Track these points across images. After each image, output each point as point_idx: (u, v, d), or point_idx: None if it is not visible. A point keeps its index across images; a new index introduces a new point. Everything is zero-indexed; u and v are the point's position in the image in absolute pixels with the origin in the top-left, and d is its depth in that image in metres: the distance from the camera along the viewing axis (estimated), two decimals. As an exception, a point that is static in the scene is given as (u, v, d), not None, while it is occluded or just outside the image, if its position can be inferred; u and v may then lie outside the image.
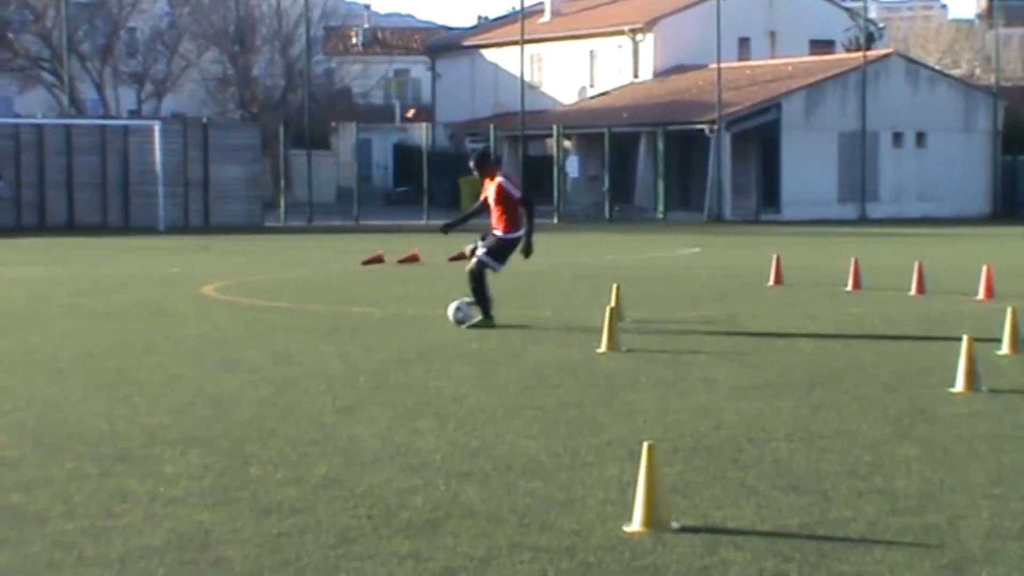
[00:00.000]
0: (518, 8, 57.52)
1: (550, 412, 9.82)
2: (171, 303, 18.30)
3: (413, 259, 25.70)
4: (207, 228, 41.97)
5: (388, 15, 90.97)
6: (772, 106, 51.93)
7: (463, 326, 14.66)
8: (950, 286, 20.03)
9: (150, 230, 40.22)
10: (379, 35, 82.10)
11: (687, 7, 60.29)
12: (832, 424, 9.33)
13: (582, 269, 25.25)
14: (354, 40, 79.06)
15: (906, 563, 6.03)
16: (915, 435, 8.92)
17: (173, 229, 40.61)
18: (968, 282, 19.39)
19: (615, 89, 60.22)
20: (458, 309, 14.91)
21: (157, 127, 42.89)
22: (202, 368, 12.18)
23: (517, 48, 55.52)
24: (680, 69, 58.91)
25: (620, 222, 48.68)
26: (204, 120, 46.44)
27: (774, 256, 21.45)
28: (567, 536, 6.49)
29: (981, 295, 18.28)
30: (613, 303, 14.41)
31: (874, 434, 8.96)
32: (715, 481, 7.62)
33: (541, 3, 68.08)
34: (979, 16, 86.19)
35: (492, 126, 51.19)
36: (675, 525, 6.59)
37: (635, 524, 6.57)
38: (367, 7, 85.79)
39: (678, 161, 53.31)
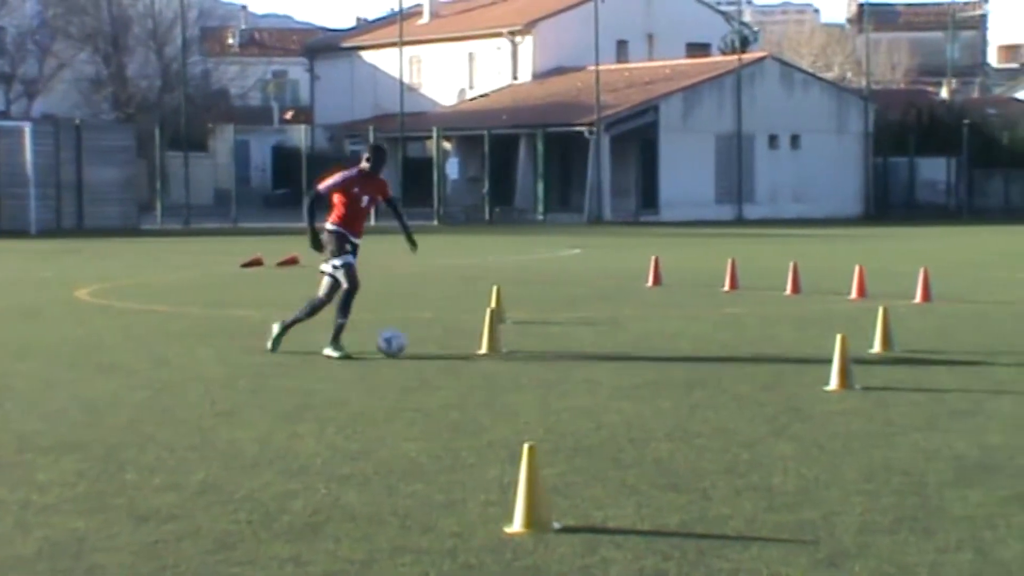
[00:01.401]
0: (397, 10, 57.39)
1: (431, 414, 9.80)
2: (44, 307, 17.96)
3: (292, 262, 25.49)
4: (81, 231, 41.26)
5: (265, 16, 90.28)
6: (650, 108, 52.41)
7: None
8: (824, 286, 20.36)
9: (21, 233, 39.43)
10: (256, 36, 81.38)
11: (566, 9, 60.62)
12: (710, 423, 9.43)
13: (462, 271, 25.25)
14: (231, 41, 78.24)
15: (782, 559, 6.12)
16: (791, 433, 9.05)
17: (45, 232, 39.84)
18: (841, 282, 19.73)
19: (494, 91, 60.34)
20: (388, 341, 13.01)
21: (27, 128, 42.04)
22: (76, 373, 11.97)
23: (396, 50, 55.41)
24: (559, 71, 59.21)
25: (500, 224, 48.77)
26: (76, 122, 45.61)
27: (653, 257, 21.64)
28: (448, 538, 6.48)
29: (854, 295, 18.61)
30: (494, 305, 14.42)
31: (751, 432, 9.08)
32: (596, 481, 7.66)
33: (420, 5, 67.99)
34: (850, 21, 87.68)
35: (371, 128, 51.00)
36: (556, 525, 6.62)
37: (516, 525, 6.58)
38: (243, 7, 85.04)
39: (558, 163, 53.58)
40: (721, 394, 10.67)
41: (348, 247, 12.90)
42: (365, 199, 13.05)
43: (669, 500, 7.20)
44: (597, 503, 7.15)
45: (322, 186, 13.15)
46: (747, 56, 56.31)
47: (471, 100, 61.05)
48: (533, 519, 6.55)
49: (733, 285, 20.13)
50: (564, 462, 8.13)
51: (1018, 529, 6.54)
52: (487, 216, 50.54)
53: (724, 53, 60.56)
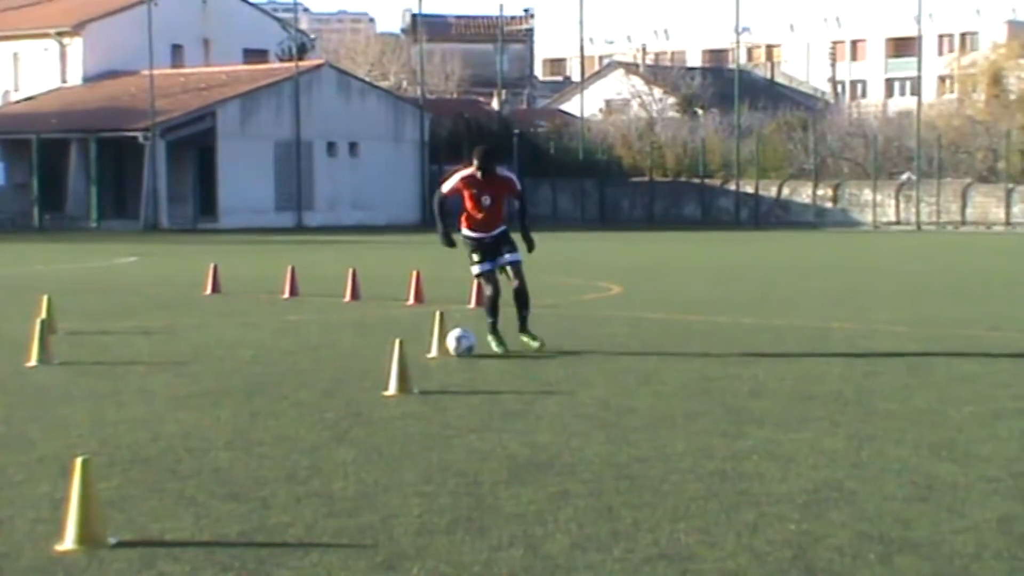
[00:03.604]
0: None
1: (-25, 431, 9.31)
2: None
3: None
4: None
5: None
6: (207, 114, 51.75)
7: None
8: (383, 292, 20.65)
9: None
10: None
11: (117, 11, 59.00)
12: (271, 431, 9.39)
13: (9, 280, 24.15)
14: None
15: (342, 564, 6.16)
16: (351, 438, 9.13)
17: None
18: (399, 288, 20.06)
19: (42, 94, 58.00)
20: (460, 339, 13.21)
21: None
22: None
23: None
24: (112, 75, 57.55)
25: (51, 231, 46.96)
26: None
27: (212, 265, 21.36)
28: (-5, 561, 6.18)
29: (411, 300, 18.97)
30: (44, 315, 13.87)
31: (312, 439, 9.10)
32: (153, 493, 7.48)
33: (-40, 1, 64.59)
34: (404, 31, 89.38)
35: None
36: (112, 541, 6.42)
37: (68, 542, 6.34)
38: None
39: (112, 169, 52.10)
40: (281, 401, 10.64)
41: (475, 255, 13.63)
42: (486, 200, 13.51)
43: (229, 510, 7.11)
44: (154, 516, 6.98)
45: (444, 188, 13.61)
46: (304, 63, 56.49)
47: (17, 103, 58.47)
48: (86, 535, 6.33)
49: (293, 292, 20.13)
50: (120, 475, 7.91)
51: (565, 524, 6.83)
52: (36, 223, 48.53)
53: (282, 60, 60.51)
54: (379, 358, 12.24)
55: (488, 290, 13.59)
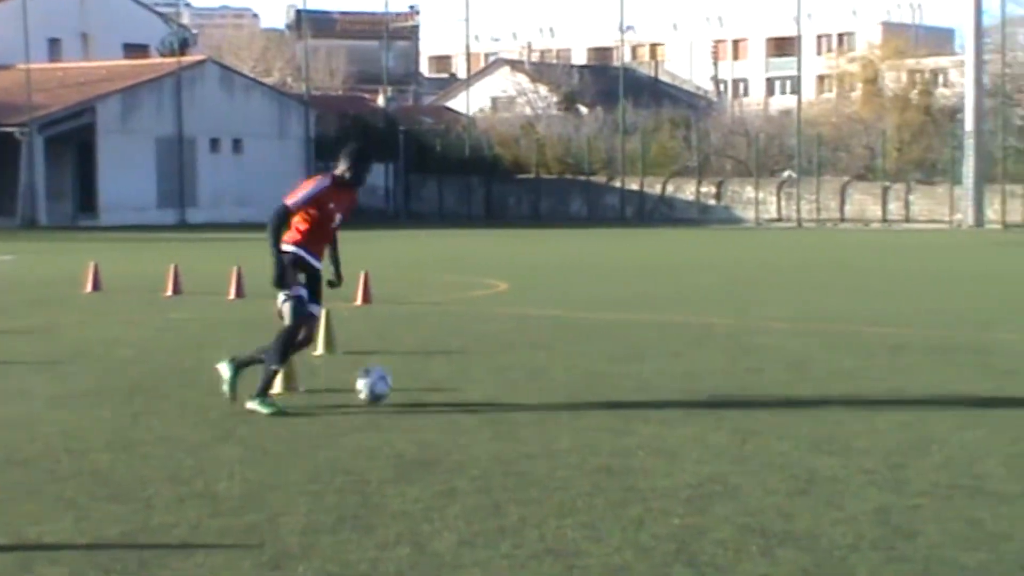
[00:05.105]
0: None
1: None
2: None
3: None
4: None
5: None
6: (86, 109, 50.95)
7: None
8: (267, 290, 20.44)
9: None
10: None
11: (-7, 4, 57.85)
12: (154, 431, 9.26)
13: None
14: None
15: (227, 564, 6.09)
16: (237, 437, 9.03)
17: None
18: (284, 285, 19.86)
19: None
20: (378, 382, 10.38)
21: None
22: None
23: None
24: (-13, 69, 56.44)
25: (-75, 228, 45.91)
26: None
27: (92, 262, 21.02)
28: None
29: (297, 297, 18.79)
30: (-83, 315, 13.56)
31: (196, 438, 8.99)
32: (31, 496, 7.34)
33: None
34: (289, 27, 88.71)
35: None
36: (-12, 545, 6.29)
37: (-56, 548, 6.21)
38: None
39: (-12, 165, 51.08)
40: (164, 400, 10.50)
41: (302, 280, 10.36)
42: (338, 217, 10.42)
43: (110, 511, 7.00)
44: (32, 518, 6.85)
45: (291, 200, 10.35)
46: (187, 59, 55.85)
47: None
48: (-37, 540, 6.20)
49: (176, 290, 19.88)
50: (-3, 478, 7.75)
51: (451, 521, 6.82)
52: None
53: (163, 55, 59.76)
54: (264, 356, 12.12)
55: (302, 333, 10.42)
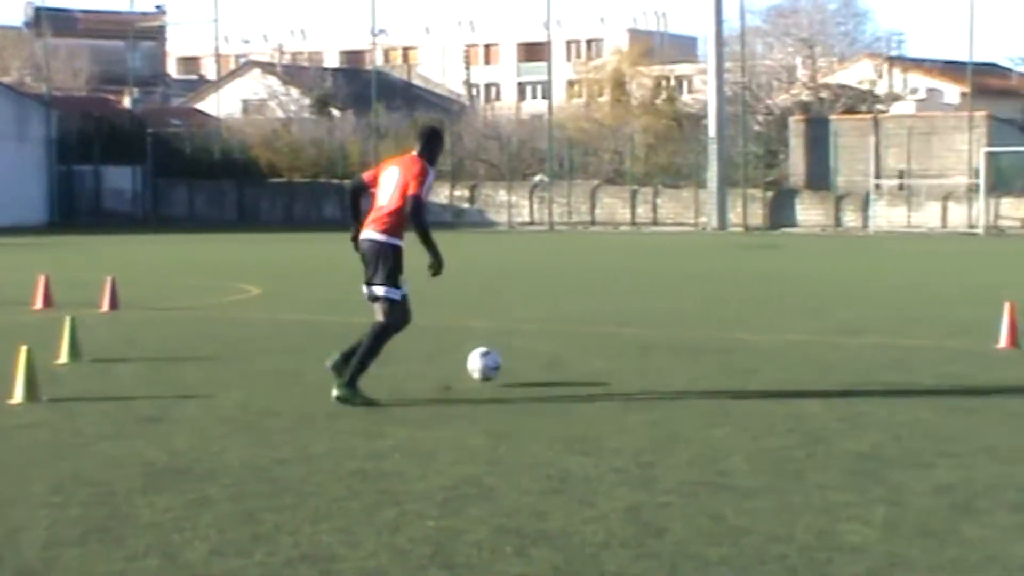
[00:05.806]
0: None
1: None
2: None
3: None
4: None
5: None
6: None
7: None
8: (8, 296, 19.79)
9: None
10: None
11: None
12: None
13: None
14: None
15: (-34, 582, 5.85)
16: (-26, 450, 8.68)
17: None
18: (26, 292, 19.25)
19: None
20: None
21: None
22: None
23: None
24: None
25: None
26: None
27: None
28: None
29: (39, 305, 18.22)
30: None
31: (-70, 452, 8.60)
32: None
33: None
34: (27, 24, 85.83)
35: None
36: None
37: None
38: None
39: None
40: None
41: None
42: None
43: None
44: None
45: (423, 190, 10.24)
46: (-80, 56, 53.54)
47: None
48: None
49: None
50: None
51: (204, 530, 6.69)
52: None
53: None
54: (4, 365, 11.69)
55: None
